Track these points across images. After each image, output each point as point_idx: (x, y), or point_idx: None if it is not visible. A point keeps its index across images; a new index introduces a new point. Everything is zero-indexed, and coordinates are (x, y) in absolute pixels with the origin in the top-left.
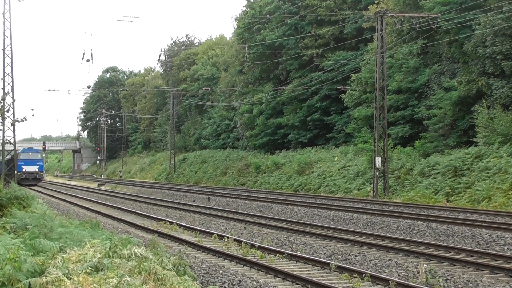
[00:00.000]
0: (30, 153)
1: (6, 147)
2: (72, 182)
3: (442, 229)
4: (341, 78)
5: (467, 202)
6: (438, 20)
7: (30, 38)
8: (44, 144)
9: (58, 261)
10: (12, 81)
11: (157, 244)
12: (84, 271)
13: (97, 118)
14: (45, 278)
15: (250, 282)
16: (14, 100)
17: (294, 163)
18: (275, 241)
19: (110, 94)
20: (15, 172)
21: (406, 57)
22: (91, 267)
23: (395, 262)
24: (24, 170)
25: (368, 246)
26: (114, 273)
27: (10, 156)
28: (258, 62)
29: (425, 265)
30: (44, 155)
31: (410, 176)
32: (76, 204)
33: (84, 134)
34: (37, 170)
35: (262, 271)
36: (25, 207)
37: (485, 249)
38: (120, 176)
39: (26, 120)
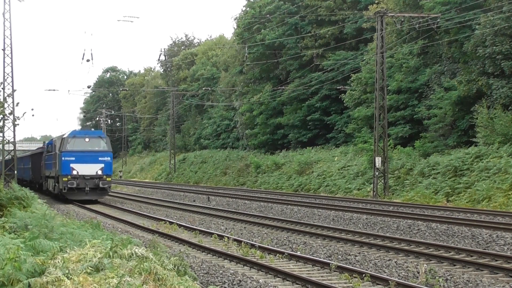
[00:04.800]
0: (87, 139)
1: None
2: None
3: (442, 229)
4: (341, 78)
5: (467, 202)
6: (438, 20)
7: (30, 38)
8: (44, 144)
9: (58, 261)
10: (12, 81)
11: (158, 244)
12: (84, 271)
13: (97, 118)
14: (45, 278)
15: (250, 282)
16: (15, 103)
17: (294, 163)
18: (275, 241)
19: (110, 94)
20: (15, 172)
21: (406, 57)
22: (91, 267)
23: (395, 262)
24: (75, 172)
25: (368, 246)
26: (114, 273)
27: (10, 156)
28: (258, 62)
29: (425, 265)
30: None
31: (410, 176)
32: (76, 204)
33: None
34: (100, 172)
35: (262, 271)
36: (25, 207)
37: (485, 249)
38: (120, 176)
39: (25, 114)
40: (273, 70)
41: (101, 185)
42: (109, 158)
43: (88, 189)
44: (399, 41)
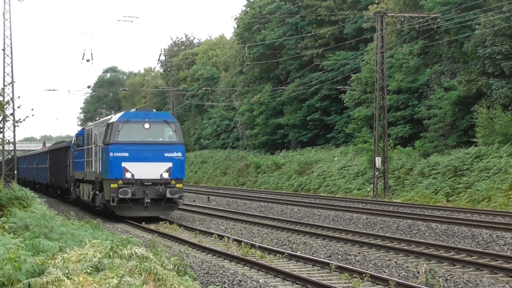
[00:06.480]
0: (147, 125)
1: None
2: None
3: (442, 229)
4: (341, 78)
5: (467, 202)
6: (438, 20)
7: (30, 38)
8: (44, 144)
9: (58, 261)
10: (12, 81)
11: (157, 244)
12: (84, 271)
13: (97, 118)
14: (45, 278)
15: (250, 282)
16: (16, 106)
17: (294, 163)
18: (275, 241)
19: (110, 94)
20: (15, 172)
21: (406, 57)
22: (91, 267)
23: (395, 262)
24: (129, 175)
25: (368, 246)
26: (114, 273)
27: (10, 155)
28: (258, 62)
29: (425, 265)
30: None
31: (410, 176)
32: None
33: None
34: (166, 174)
35: (262, 271)
36: (25, 207)
37: (485, 249)
38: None
39: (27, 118)
40: (273, 70)
41: (168, 195)
42: (180, 154)
43: (148, 200)
44: (399, 41)
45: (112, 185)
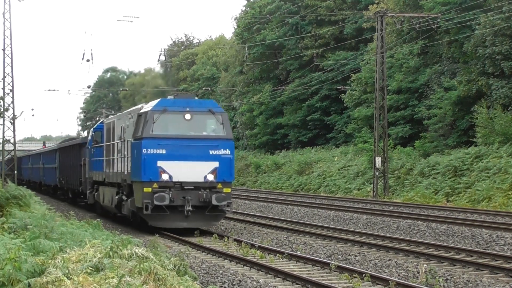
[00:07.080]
0: (188, 116)
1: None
2: None
3: (442, 229)
4: (341, 78)
5: (467, 202)
6: (438, 20)
7: (30, 38)
8: (44, 144)
9: (58, 261)
10: (12, 81)
11: (158, 244)
12: (84, 271)
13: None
14: (45, 278)
15: (250, 282)
16: (14, 100)
17: (294, 163)
18: (275, 241)
19: (110, 94)
20: (15, 172)
21: (406, 57)
22: (91, 267)
23: (395, 262)
24: (166, 177)
25: (368, 246)
26: (114, 273)
27: (10, 155)
28: (258, 62)
29: (425, 265)
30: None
31: (410, 176)
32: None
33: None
34: (211, 177)
35: (262, 271)
36: (22, 206)
37: (485, 249)
38: None
39: (23, 112)
40: (273, 70)
41: (214, 202)
42: (228, 152)
43: (189, 208)
44: (399, 41)
45: (145, 189)
